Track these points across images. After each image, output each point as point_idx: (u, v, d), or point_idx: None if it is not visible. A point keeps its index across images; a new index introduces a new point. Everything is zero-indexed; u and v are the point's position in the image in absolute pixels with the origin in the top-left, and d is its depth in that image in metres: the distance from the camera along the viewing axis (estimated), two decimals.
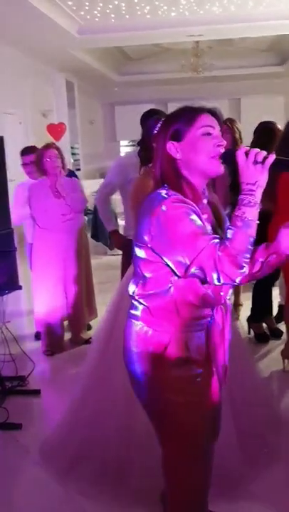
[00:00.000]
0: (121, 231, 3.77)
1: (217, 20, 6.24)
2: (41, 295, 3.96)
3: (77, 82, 9.10)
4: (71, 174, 4.59)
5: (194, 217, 1.46)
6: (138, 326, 1.63)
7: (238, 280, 1.41)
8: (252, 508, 2.26)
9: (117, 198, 3.82)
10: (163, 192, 1.51)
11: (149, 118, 3.12)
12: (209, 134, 1.53)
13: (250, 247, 1.41)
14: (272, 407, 2.87)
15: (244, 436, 2.47)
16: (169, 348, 1.58)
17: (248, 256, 1.41)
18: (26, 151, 4.18)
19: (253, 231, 1.42)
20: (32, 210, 3.88)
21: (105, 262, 6.14)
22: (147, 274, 1.56)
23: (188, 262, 1.43)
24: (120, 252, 3.83)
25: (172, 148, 1.54)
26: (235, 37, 7.73)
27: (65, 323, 4.15)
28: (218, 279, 1.40)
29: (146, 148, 2.46)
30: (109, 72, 9.18)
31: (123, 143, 11.22)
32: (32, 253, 3.99)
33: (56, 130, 7.50)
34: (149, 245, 1.51)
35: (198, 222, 1.46)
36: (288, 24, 6.37)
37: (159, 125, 1.92)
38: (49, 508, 2.32)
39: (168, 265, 1.50)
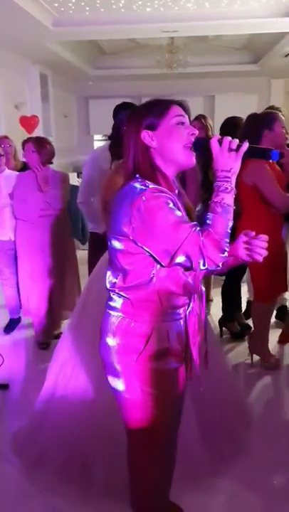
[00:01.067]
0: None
1: (192, 17, 6.25)
2: (25, 287, 4.01)
3: (52, 74, 9.00)
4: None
5: (173, 206, 1.49)
6: (118, 318, 1.63)
7: (220, 264, 1.45)
8: (213, 501, 2.30)
9: None
10: (138, 184, 1.51)
11: (121, 111, 3.11)
12: (182, 123, 1.58)
13: (229, 231, 1.47)
14: (241, 401, 2.92)
15: (211, 429, 2.50)
16: (151, 339, 1.60)
17: (228, 240, 1.47)
18: None
19: (231, 216, 1.49)
20: (13, 199, 3.91)
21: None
22: (127, 266, 1.57)
23: (172, 251, 1.45)
24: None
25: (147, 136, 1.57)
26: (209, 34, 7.76)
27: None
28: (204, 264, 1.43)
29: (116, 143, 2.44)
30: (83, 66, 9.10)
31: (97, 137, 11.15)
32: (16, 245, 4.02)
33: (29, 123, 7.41)
34: (130, 237, 1.50)
35: (178, 211, 1.49)
36: (262, 23, 6.42)
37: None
38: (17, 503, 2.31)
39: (151, 256, 1.52)
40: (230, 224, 1.48)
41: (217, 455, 2.46)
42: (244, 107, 8.80)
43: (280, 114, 3.30)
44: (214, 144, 1.50)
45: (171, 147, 1.57)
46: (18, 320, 4.42)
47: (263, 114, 3.33)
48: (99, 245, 2.64)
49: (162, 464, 1.77)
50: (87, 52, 8.88)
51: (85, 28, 6.48)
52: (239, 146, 1.49)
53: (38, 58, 7.99)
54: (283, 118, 3.77)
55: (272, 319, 4.34)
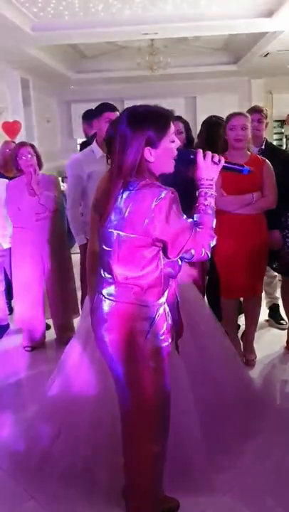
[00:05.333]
0: None
1: (170, 19, 6.28)
2: (21, 294, 3.97)
3: (33, 79, 8.98)
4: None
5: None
6: (124, 305, 1.82)
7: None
8: (210, 499, 2.31)
9: None
10: (156, 187, 1.73)
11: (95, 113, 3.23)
12: (174, 141, 1.82)
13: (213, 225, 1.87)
14: (245, 384, 2.94)
15: (212, 417, 2.51)
16: (157, 320, 1.82)
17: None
18: None
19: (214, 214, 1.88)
20: (7, 208, 3.89)
21: None
22: (140, 258, 1.78)
23: (180, 247, 1.75)
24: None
25: (148, 154, 1.77)
26: (188, 35, 7.79)
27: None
28: (201, 254, 1.81)
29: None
30: (64, 70, 9.10)
31: (80, 141, 11.12)
32: (11, 253, 4.00)
33: (11, 128, 7.39)
34: (152, 235, 1.73)
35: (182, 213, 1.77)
36: (241, 24, 6.47)
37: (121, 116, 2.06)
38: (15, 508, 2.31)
39: (161, 248, 1.78)
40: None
41: (216, 447, 2.47)
42: (225, 107, 8.85)
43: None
44: (200, 156, 1.84)
45: (165, 163, 1.82)
46: (7, 327, 4.40)
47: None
48: None
49: (158, 442, 1.90)
50: (67, 56, 8.87)
51: (65, 32, 6.49)
52: (219, 160, 1.85)
53: (18, 63, 7.97)
54: (266, 117, 3.86)
55: (265, 317, 4.39)
